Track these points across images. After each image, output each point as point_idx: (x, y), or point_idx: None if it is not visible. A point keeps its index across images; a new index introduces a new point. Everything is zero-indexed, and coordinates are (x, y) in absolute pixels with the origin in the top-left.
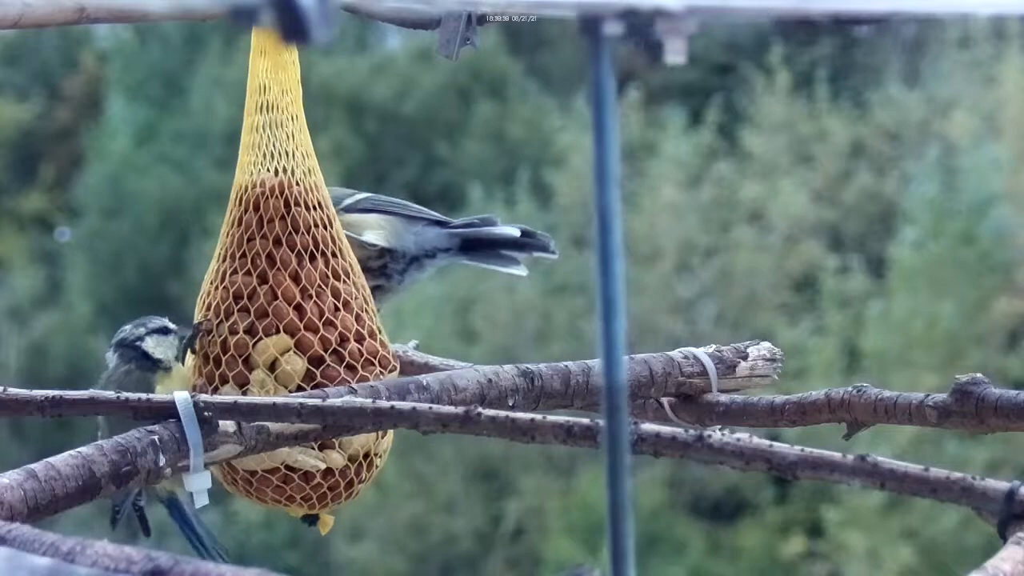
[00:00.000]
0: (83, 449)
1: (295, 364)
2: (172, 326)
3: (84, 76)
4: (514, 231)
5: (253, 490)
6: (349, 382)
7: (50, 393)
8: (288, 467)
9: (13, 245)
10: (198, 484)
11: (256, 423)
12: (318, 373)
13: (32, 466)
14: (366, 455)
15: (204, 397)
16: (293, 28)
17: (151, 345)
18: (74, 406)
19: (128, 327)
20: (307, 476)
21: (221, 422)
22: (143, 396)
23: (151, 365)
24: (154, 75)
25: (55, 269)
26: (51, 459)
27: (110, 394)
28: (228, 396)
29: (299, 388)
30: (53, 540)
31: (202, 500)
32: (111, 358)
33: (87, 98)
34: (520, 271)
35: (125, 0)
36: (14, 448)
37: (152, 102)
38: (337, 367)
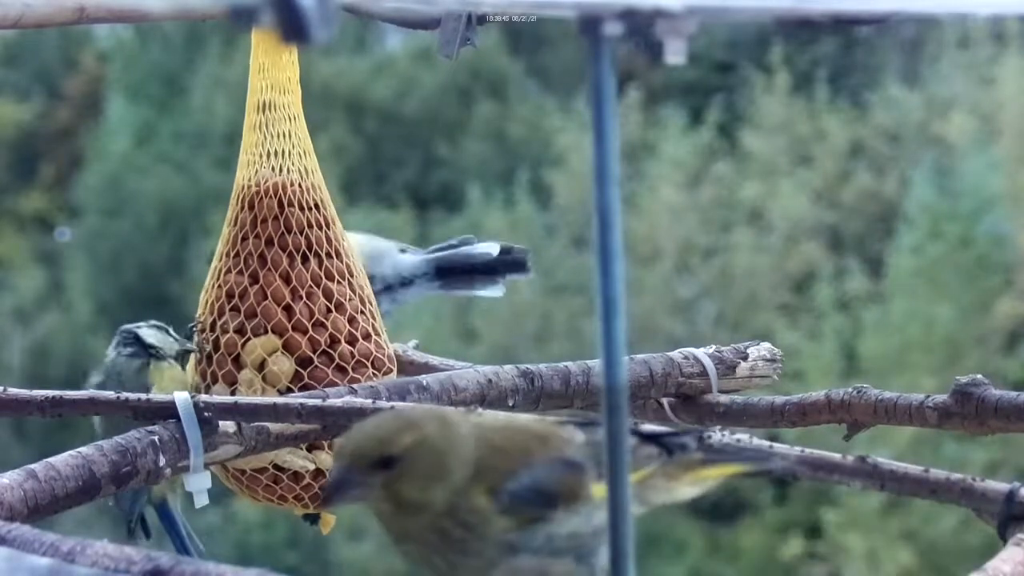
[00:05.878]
0: (83, 449)
1: (282, 365)
2: (172, 332)
3: (84, 76)
4: (492, 249)
5: (245, 488)
6: (338, 383)
7: (50, 393)
8: (277, 466)
9: (13, 245)
10: (198, 484)
11: (256, 424)
12: (306, 374)
13: (32, 466)
14: None
15: (204, 397)
16: (293, 28)
17: (147, 333)
18: (74, 406)
19: (128, 325)
20: (296, 476)
21: (221, 422)
22: (143, 396)
23: (145, 352)
24: (154, 75)
25: (55, 269)
26: (51, 459)
27: (110, 394)
28: (228, 396)
29: (288, 389)
30: (53, 540)
31: (202, 500)
32: (110, 351)
33: (87, 98)
34: (496, 292)
35: (125, 0)
36: (14, 448)
37: (152, 102)
38: (326, 368)
